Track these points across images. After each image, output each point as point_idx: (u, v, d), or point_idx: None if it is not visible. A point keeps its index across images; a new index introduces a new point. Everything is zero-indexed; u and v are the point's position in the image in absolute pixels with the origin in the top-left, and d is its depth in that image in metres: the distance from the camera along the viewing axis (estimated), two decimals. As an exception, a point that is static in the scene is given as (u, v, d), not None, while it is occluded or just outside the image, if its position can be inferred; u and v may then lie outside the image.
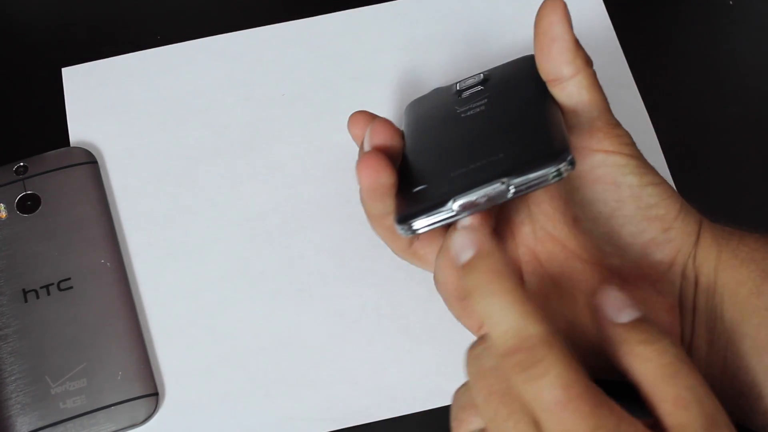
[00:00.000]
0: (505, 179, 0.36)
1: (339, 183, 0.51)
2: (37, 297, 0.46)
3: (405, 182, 0.40)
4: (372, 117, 0.45)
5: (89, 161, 0.51)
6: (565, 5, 0.40)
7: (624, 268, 0.40)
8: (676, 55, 0.55)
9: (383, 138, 0.41)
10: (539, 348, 0.31)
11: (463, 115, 0.42)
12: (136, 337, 0.46)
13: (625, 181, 0.39)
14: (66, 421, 0.44)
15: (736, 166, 0.51)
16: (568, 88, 0.40)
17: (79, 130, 0.52)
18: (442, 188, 0.38)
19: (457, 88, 0.45)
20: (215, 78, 0.54)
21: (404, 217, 0.38)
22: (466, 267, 0.33)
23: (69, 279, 0.47)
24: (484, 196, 0.36)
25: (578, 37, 0.40)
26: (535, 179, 0.36)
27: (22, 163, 0.50)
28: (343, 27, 0.56)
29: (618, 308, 0.34)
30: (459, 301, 0.41)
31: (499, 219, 0.43)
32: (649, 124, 0.52)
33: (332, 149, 0.52)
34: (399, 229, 0.38)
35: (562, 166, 0.36)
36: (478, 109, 0.42)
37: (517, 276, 0.33)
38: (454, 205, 0.37)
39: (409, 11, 0.56)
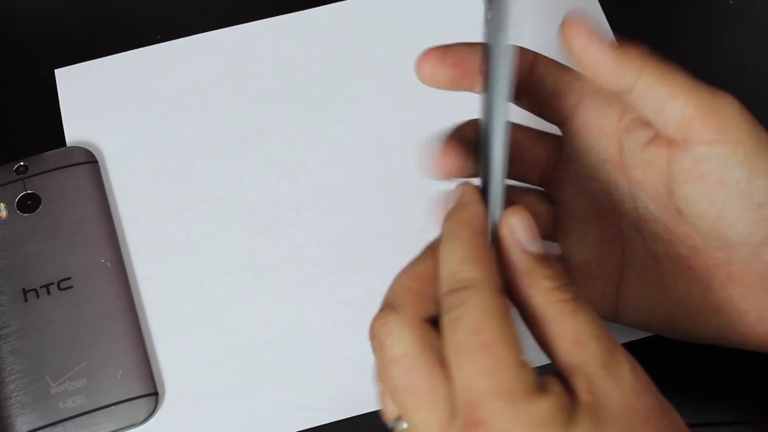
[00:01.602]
0: None
1: (337, 173, 0.51)
2: (37, 296, 0.46)
3: None
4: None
5: (89, 161, 0.51)
6: (576, 22, 0.36)
7: (731, 264, 0.37)
8: (676, 55, 0.55)
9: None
10: (465, 291, 0.30)
11: None
12: (136, 337, 0.46)
13: (732, 176, 0.34)
14: (66, 421, 0.44)
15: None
16: (641, 95, 0.35)
17: (75, 131, 0.52)
18: None
19: None
20: (210, 74, 0.54)
21: None
22: (445, 217, 0.33)
23: (69, 278, 0.47)
24: None
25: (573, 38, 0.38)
26: None
27: (22, 163, 0.50)
28: (336, 19, 0.56)
29: (531, 236, 0.32)
30: None
31: (598, 197, 0.40)
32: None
33: (329, 140, 0.52)
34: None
35: None
36: None
37: (481, 228, 0.32)
38: None
39: (401, 2, 0.56)
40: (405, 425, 0.33)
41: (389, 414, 0.34)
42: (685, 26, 0.56)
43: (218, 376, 0.46)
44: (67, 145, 0.52)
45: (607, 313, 0.39)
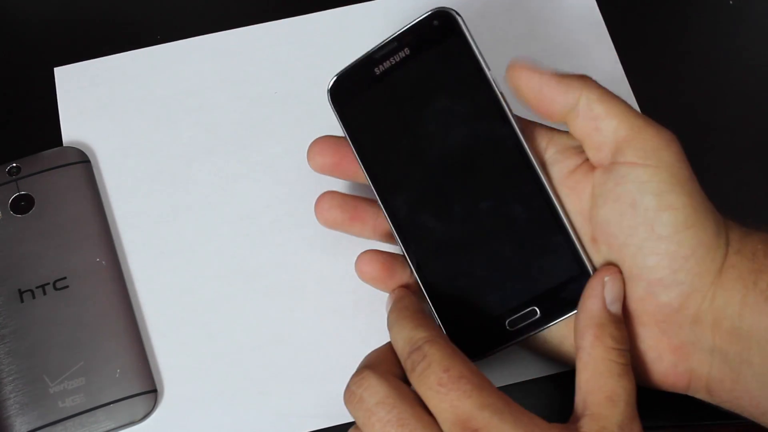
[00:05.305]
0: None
1: (331, 180, 0.51)
2: (33, 297, 0.46)
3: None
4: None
5: (82, 161, 0.51)
6: (520, 62, 0.39)
7: (630, 301, 0.38)
8: (676, 55, 0.55)
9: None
10: (424, 346, 0.36)
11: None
12: (133, 335, 0.46)
13: (643, 201, 0.36)
14: (65, 420, 0.44)
15: (736, 166, 0.51)
16: (581, 113, 0.38)
17: (72, 130, 0.52)
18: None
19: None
20: (207, 76, 0.54)
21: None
22: (388, 313, 0.40)
23: (65, 278, 0.47)
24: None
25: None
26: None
27: (14, 164, 0.50)
28: (334, 24, 0.56)
29: (616, 297, 0.38)
30: None
31: None
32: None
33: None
34: None
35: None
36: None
37: (419, 308, 0.39)
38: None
39: (399, 8, 0.57)
40: None
41: None
42: (685, 26, 0.56)
43: (213, 376, 0.46)
44: (64, 144, 0.52)
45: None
